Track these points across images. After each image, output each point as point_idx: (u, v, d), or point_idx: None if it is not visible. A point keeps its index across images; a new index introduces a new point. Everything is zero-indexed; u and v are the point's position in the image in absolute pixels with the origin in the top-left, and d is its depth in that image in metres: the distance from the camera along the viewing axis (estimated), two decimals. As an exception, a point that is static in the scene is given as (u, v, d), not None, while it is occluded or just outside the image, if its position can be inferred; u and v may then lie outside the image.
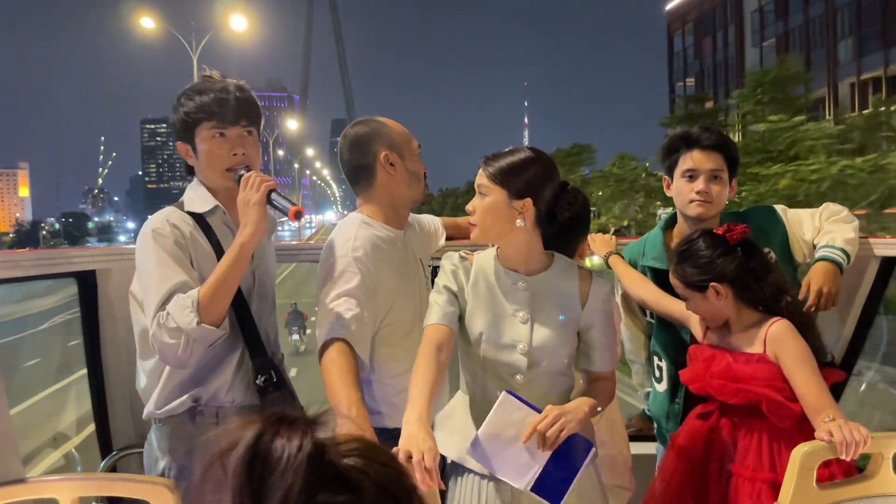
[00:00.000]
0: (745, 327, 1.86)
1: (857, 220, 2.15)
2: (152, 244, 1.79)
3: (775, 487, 1.72)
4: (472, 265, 1.74)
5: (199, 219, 1.88)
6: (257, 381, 1.87)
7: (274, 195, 1.74)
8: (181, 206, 1.90)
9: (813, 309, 1.98)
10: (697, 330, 1.98)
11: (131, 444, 2.37)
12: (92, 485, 1.63)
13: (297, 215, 1.72)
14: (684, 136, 2.11)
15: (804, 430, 1.72)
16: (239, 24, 21.45)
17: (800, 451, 1.54)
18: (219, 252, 1.85)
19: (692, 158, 2.08)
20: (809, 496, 1.54)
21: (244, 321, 1.88)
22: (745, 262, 1.84)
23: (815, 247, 2.11)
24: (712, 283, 1.83)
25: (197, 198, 1.90)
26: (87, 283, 2.32)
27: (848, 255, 2.04)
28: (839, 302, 2.00)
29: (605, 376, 1.77)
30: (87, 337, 2.36)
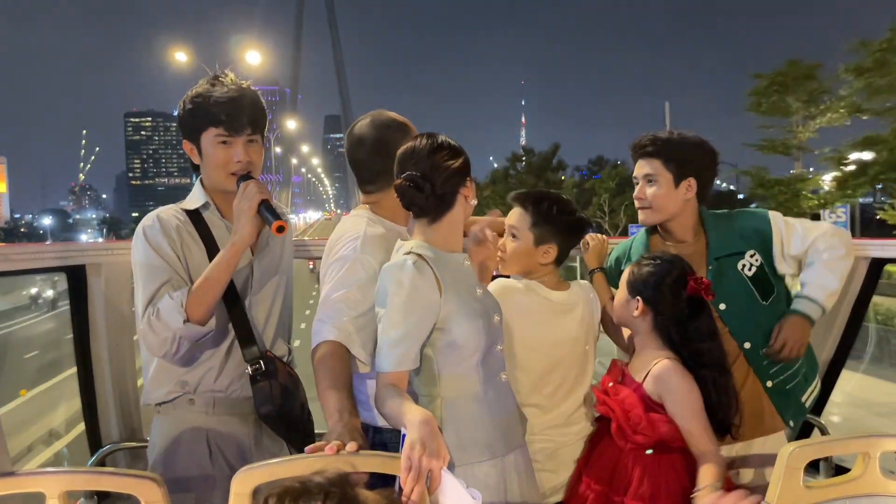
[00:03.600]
0: (643, 355, 2.01)
1: (853, 257, 2.21)
2: (142, 241, 1.93)
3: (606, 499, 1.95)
4: (425, 263, 1.71)
5: (194, 215, 2.01)
6: (247, 371, 1.95)
7: (262, 207, 1.86)
8: (179, 204, 2.04)
9: (777, 355, 2.15)
10: None
11: (121, 439, 2.44)
12: (79, 479, 1.65)
13: (280, 229, 1.84)
14: (631, 147, 2.28)
15: (653, 458, 1.93)
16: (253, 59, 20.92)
17: (787, 450, 1.60)
18: (209, 246, 1.98)
19: (635, 167, 2.26)
20: (796, 496, 1.59)
21: (234, 312, 1.97)
22: (683, 311, 1.95)
23: (799, 262, 2.21)
24: (640, 298, 1.98)
25: (193, 196, 2.05)
26: (77, 278, 2.39)
27: (825, 309, 2.15)
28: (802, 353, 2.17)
29: None
30: (76, 332, 2.43)
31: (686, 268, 2.00)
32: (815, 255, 2.17)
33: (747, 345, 2.19)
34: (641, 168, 2.24)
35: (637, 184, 2.25)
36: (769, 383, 2.20)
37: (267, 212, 1.86)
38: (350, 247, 1.90)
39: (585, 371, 2.16)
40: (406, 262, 1.68)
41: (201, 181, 2.06)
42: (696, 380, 1.92)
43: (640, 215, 2.25)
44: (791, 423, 2.24)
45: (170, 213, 2.00)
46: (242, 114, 1.95)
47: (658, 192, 2.21)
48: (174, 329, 1.82)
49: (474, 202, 1.80)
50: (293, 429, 1.99)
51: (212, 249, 1.98)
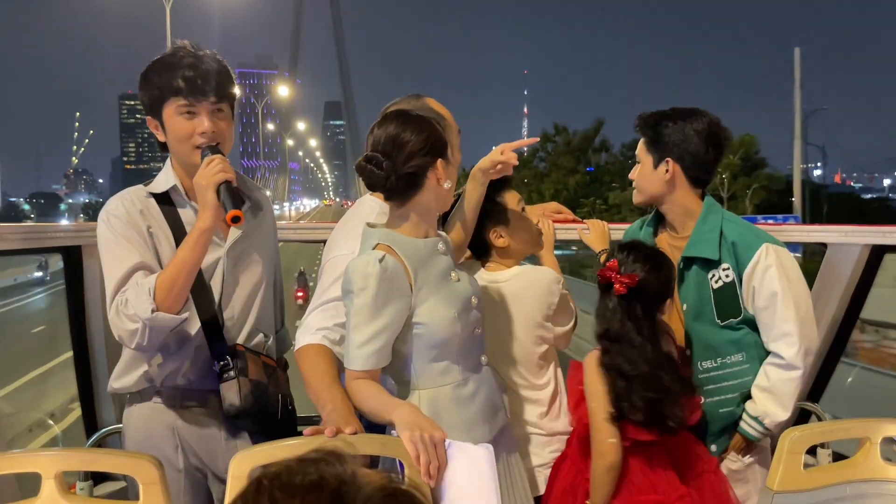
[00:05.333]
0: None
1: (800, 372, 2.05)
2: (105, 226, 1.87)
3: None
4: (394, 259, 1.64)
5: (163, 198, 1.93)
6: (214, 367, 1.91)
7: (223, 188, 1.77)
8: (146, 186, 1.97)
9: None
10: None
11: (117, 422, 2.47)
12: (75, 459, 1.66)
13: (234, 219, 1.76)
14: None
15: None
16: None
17: (788, 435, 1.63)
18: (177, 232, 1.91)
19: None
20: (797, 480, 1.61)
21: (202, 306, 1.92)
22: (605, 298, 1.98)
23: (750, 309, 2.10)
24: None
25: (161, 176, 1.96)
26: (73, 259, 2.40)
27: (772, 433, 2.08)
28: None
29: None
30: (72, 313, 2.44)
31: (614, 254, 1.99)
32: (769, 371, 2.07)
33: (688, 352, 2.15)
34: (637, 150, 2.25)
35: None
36: (701, 400, 2.07)
37: (227, 195, 1.76)
38: (352, 246, 1.85)
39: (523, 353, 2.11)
40: (373, 261, 1.61)
41: (170, 160, 1.98)
42: (620, 374, 1.92)
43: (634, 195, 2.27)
44: (713, 449, 2.13)
45: (134, 196, 1.93)
46: (204, 79, 1.84)
47: (640, 172, 2.21)
48: (143, 318, 1.75)
49: (448, 185, 1.71)
50: (267, 423, 1.93)
51: (179, 235, 1.90)
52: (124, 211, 1.88)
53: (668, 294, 1.99)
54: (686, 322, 2.15)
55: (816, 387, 2.64)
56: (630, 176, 2.26)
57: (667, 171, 2.14)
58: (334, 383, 1.68)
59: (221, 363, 1.90)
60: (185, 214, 1.94)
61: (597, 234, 2.44)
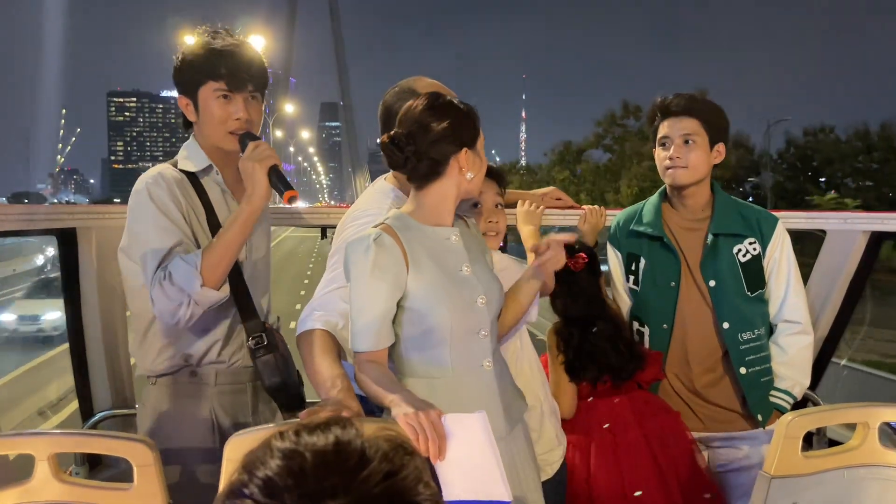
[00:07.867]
0: None
1: (812, 338, 2.34)
2: (148, 201, 1.90)
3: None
4: (391, 238, 1.65)
5: (191, 177, 2.00)
6: (248, 344, 1.99)
7: (272, 172, 1.87)
8: (175, 164, 2.02)
9: None
10: None
11: (113, 406, 2.51)
12: (69, 441, 1.67)
13: (291, 200, 1.85)
14: (658, 105, 2.31)
15: None
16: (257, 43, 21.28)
17: (785, 419, 1.65)
18: (209, 212, 1.99)
19: (664, 126, 2.28)
20: (795, 465, 1.65)
21: (236, 285, 1.99)
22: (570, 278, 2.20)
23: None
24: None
25: (191, 156, 2.03)
26: (68, 241, 2.43)
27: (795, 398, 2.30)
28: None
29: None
30: (67, 297, 2.48)
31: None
32: (785, 342, 2.30)
33: (726, 325, 2.24)
34: (677, 127, 2.26)
35: (664, 143, 2.28)
36: (743, 370, 2.25)
37: (277, 178, 1.87)
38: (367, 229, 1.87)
39: None
40: (367, 238, 1.64)
41: (195, 140, 2.04)
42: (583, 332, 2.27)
43: (672, 174, 2.27)
44: (760, 418, 2.26)
45: (171, 174, 1.97)
46: (244, 68, 1.95)
47: (696, 152, 2.25)
48: (190, 293, 1.81)
49: (470, 175, 1.70)
50: (292, 397, 2.03)
51: (211, 214, 1.99)
52: (167, 186, 1.92)
53: (598, 262, 2.33)
54: (717, 298, 2.25)
55: (814, 374, 2.69)
56: (676, 154, 2.25)
57: (717, 154, 2.28)
58: (334, 365, 1.70)
59: (256, 339, 1.98)
60: (213, 194, 2.02)
61: (590, 225, 2.52)
